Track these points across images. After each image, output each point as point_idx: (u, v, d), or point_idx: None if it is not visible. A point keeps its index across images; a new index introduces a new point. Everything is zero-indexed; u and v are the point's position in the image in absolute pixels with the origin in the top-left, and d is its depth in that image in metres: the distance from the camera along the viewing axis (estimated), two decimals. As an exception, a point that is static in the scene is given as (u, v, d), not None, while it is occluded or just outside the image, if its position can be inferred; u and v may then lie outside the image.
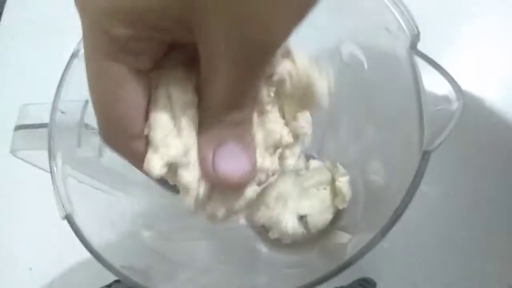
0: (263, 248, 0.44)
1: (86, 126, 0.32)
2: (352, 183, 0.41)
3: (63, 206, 0.30)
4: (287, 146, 0.25)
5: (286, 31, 0.18)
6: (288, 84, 0.24)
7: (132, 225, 0.36)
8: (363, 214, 0.38)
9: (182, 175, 0.22)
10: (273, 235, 0.44)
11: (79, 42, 0.33)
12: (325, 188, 0.42)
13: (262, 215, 0.37)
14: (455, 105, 0.27)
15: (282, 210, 0.40)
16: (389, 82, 0.32)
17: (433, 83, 0.27)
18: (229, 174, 0.21)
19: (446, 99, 0.27)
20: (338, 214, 0.42)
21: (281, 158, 0.25)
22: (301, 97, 0.24)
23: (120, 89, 0.20)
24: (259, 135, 0.23)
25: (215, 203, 0.23)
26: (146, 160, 0.22)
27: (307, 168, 0.44)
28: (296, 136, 0.25)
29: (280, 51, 0.23)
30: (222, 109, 0.20)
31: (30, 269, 0.52)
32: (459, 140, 0.44)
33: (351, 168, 0.41)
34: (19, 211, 0.54)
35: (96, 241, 0.30)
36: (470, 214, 0.44)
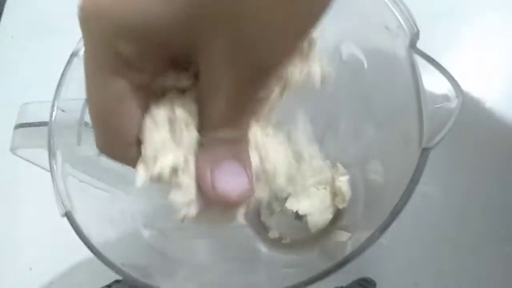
0: (262, 248, 0.44)
1: (86, 124, 0.32)
2: (352, 183, 0.41)
3: (62, 203, 0.30)
4: None
5: (286, 55, 0.19)
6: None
7: (132, 223, 0.36)
8: (363, 213, 0.38)
9: (174, 196, 0.22)
10: (273, 234, 0.44)
11: (79, 41, 0.33)
12: (325, 188, 0.42)
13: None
14: (454, 103, 0.27)
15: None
16: (388, 80, 0.32)
17: (432, 82, 0.27)
18: (228, 193, 0.21)
19: (445, 97, 0.27)
20: (338, 214, 0.42)
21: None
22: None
23: (120, 104, 0.20)
24: None
25: (209, 217, 0.24)
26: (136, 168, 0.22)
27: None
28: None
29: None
30: (220, 127, 0.21)
31: (30, 269, 0.52)
32: (458, 138, 0.44)
33: (351, 168, 0.41)
34: (19, 211, 0.54)
35: (95, 238, 0.30)
36: (469, 212, 0.44)
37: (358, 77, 0.35)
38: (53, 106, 0.32)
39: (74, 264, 0.50)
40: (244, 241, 0.44)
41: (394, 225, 0.27)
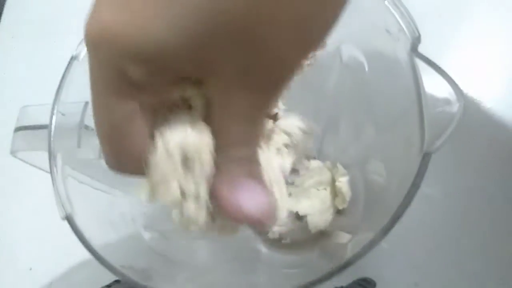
0: (263, 248, 0.44)
1: (86, 127, 0.32)
2: (352, 184, 0.41)
3: (63, 206, 0.30)
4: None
5: (298, 67, 0.19)
6: None
7: (132, 225, 0.36)
8: (363, 214, 0.38)
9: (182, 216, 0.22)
10: (273, 235, 0.44)
11: (79, 44, 0.33)
12: (325, 189, 0.42)
13: None
14: (455, 107, 0.27)
15: None
16: (389, 84, 0.32)
17: (433, 85, 0.27)
18: (255, 212, 0.21)
19: (446, 101, 0.27)
20: (338, 214, 0.42)
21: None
22: None
23: (128, 123, 0.20)
24: None
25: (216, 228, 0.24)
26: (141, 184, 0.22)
27: (307, 168, 0.44)
28: None
29: None
30: (237, 146, 0.21)
31: (30, 269, 0.52)
32: (459, 141, 0.44)
33: (351, 169, 0.41)
34: (19, 211, 0.54)
35: (96, 241, 0.30)
36: (470, 214, 0.44)
37: (359, 79, 0.35)
38: (53, 109, 0.32)
39: (74, 264, 0.50)
40: (244, 242, 0.44)
41: (394, 226, 0.27)
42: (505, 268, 0.42)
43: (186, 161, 0.21)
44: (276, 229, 0.41)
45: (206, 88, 0.20)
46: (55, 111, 0.32)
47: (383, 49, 0.32)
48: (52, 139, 0.32)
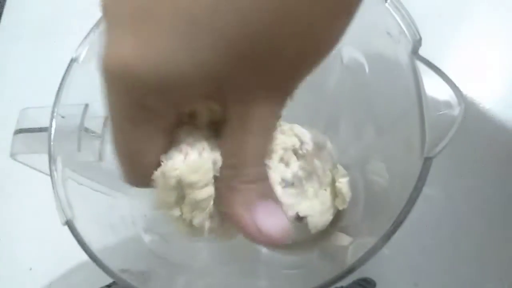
0: (263, 249, 0.44)
1: (86, 130, 0.32)
2: (352, 184, 0.41)
3: (63, 211, 0.30)
4: None
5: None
6: None
7: (132, 227, 0.36)
8: (363, 216, 0.38)
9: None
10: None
11: (79, 46, 0.33)
12: (325, 189, 0.42)
13: None
14: (456, 110, 0.27)
15: None
16: (390, 86, 0.32)
17: (434, 88, 0.27)
18: (274, 232, 0.21)
19: (447, 104, 0.27)
20: (338, 215, 0.42)
21: None
22: None
23: (146, 146, 0.21)
24: None
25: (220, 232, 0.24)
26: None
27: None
28: None
29: None
30: (249, 164, 0.21)
31: (30, 269, 0.51)
32: (459, 142, 0.43)
33: (351, 169, 0.41)
34: (19, 211, 0.54)
35: (96, 245, 0.30)
36: (469, 215, 0.44)
37: (359, 81, 0.35)
38: (53, 111, 0.32)
39: (74, 264, 0.50)
40: (244, 242, 0.44)
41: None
42: (504, 269, 0.42)
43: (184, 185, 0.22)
44: None
45: (222, 105, 0.20)
46: (55, 114, 0.32)
47: (383, 51, 0.31)
48: (52, 141, 0.32)
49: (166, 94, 0.18)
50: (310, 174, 0.30)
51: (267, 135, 0.20)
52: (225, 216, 0.23)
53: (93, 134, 0.33)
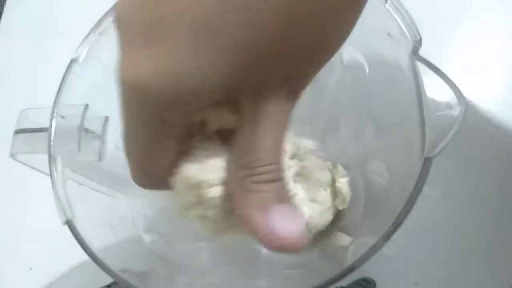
0: (263, 249, 0.44)
1: (86, 130, 0.32)
2: (352, 184, 0.41)
3: (63, 211, 0.30)
4: None
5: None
6: None
7: (132, 228, 0.36)
8: (363, 216, 0.38)
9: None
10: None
11: (79, 46, 0.33)
12: (325, 189, 0.42)
13: None
14: (456, 111, 0.27)
15: None
16: (390, 87, 0.32)
17: (434, 89, 0.27)
18: (290, 236, 0.20)
19: (447, 104, 0.27)
20: (338, 215, 0.42)
21: None
22: None
23: (159, 154, 0.21)
24: None
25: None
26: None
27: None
28: None
29: None
30: (268, 165, 0.20)
31: (30, 269, 0.51)
32: (459, 141, 0.43)
33: (351, 169, 0.41)
34: (19, 212, 0.54)
35: (96, 245, 0.30)
36: (470, 216, 0.44)
37: (360, 82, 0.35)
38: (53, 112, 0.32)
39: (74, 264, 0.50)
40: (244, 242, 0.44)
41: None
42: (505, 268, 0.42)
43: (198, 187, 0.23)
44: None
45: (234, 108, 0.21)
46: (55, 114, 0.32)
47: (384, 52, 0.31)
48: (52, 142, 0.32)
49: (183, 106, 0.18)
50: (306, 178, 0.30)
51: (281, 131, 0.20)
52: (235, 216, 0.23)
53: (93, 134, 0.33)
